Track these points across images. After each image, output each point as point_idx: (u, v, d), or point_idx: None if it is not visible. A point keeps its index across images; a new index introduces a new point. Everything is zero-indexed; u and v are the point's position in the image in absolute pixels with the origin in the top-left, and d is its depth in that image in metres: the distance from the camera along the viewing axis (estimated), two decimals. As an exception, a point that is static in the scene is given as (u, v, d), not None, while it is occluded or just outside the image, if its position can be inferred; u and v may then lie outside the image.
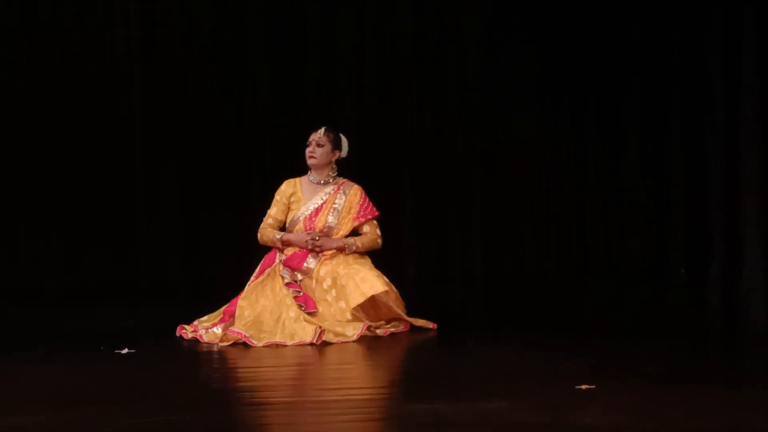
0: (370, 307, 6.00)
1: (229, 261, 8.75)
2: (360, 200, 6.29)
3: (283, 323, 5.80)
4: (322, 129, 6.26)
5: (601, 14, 9.52)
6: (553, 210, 9.73)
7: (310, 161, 6.27)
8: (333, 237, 6.18)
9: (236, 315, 5.87)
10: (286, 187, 6.31)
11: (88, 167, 9.07)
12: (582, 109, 9.69)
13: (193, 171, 9.24)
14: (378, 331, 5.98)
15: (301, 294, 6.00)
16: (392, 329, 6.05)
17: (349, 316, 5.93)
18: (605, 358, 5.06)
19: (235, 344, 5.71)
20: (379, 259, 6.28)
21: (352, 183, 6.35)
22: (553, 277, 9.48)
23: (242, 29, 9.27)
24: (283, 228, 6.27)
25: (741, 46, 8.63)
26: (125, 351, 5.44)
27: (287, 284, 6.00)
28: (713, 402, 4.12)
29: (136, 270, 9.13)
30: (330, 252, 6.16)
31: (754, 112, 8.54)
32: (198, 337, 5.86)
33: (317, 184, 6.30)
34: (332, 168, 6.32)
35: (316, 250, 6.14)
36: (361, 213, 6.28)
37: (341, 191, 6.28)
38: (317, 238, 6.14)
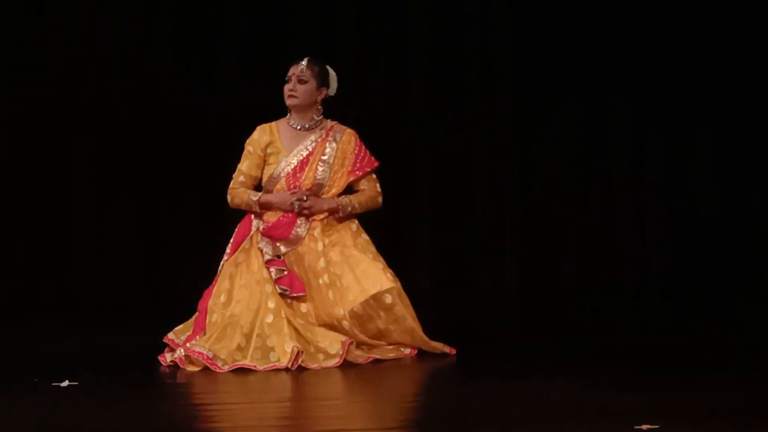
0: (367, 318, 5.08)
1: (194, 271, 7.39)
2: (355, 148, 5.31)
3: (261, 326, 4.94)
4: (305, 60, 5.25)
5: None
6: (603, 210, 8.53)
7: (289, 101, 5.23)
8: (323, 197, 5.24)
9: (206, 321, 5.04)
10: (260, 135, 5.28)
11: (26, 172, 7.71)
12: (640, 93, 8.32)
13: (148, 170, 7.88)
14: (358, 353, 5.04)
15: (286, 273, 5.08)
16: (388, 355, 5.13)
17: (346, 324, 5.06)
18: (668, 393, 4.48)
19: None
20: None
21: (344, 127, 5.34)
22: (601, 292, 8.14)
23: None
24: (258, 188, 5.30)
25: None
26: (65, 383, 4.66)
27: (267, 263, 5.08)
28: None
29: (79, 283, 7.70)
30: (321, 216, 5.21)
31: None
32: (178, 361, 4.97)
33: (299, 130, 5.28)
34: (317, 110, 5.29)
35: (304, 214, 5.18)
36: (358, 165, 5.30)
37: (331, 138, 5.28)
38: (305, 198, 5.17)
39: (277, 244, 5.14)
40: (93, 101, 7.77)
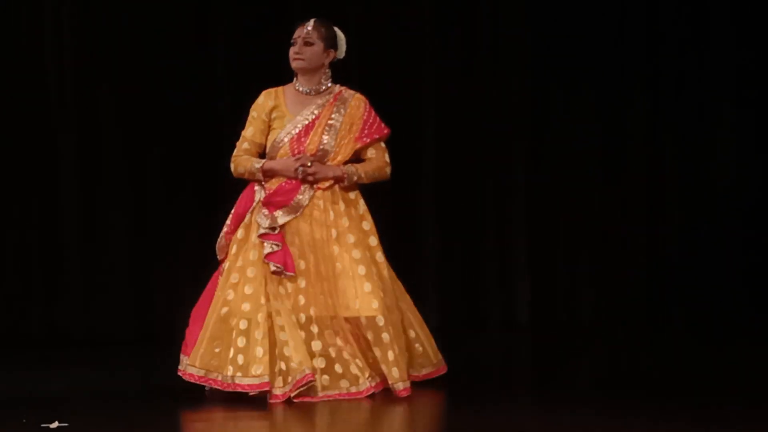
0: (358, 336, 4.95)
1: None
2: (364, 114, 5.09)
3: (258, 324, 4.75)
4: (311, 21, 5.06)
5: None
6: (623, 237, 8.01)
7: (295, 64, 5.03)
8: (328, 164, 5.03)
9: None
10: (265, 100, 5.09)
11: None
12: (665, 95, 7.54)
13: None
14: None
15: (280, 248, 4.85)
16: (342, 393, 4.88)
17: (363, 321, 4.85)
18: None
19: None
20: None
21: (353, 91, 5.13)
22: (621, 325, 7.44)
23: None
24: (263, 155, 5.09)
25: None
26: (55, 425, 4.42)
27: (261, 236, 4.87)
28: None
29: (68, 315, 6.98)
30: (325, 184, 4.99)
31: None
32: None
33: (306, 94, 5.08)
34: (325, 73, 5.09)
35: (308, 180, 4.96)
36: (366, 131, 5.08)
37: (338, 102, 5.08)
38: (309, 164, 4.95)
39: (275, 215, 4.91)
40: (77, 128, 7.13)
